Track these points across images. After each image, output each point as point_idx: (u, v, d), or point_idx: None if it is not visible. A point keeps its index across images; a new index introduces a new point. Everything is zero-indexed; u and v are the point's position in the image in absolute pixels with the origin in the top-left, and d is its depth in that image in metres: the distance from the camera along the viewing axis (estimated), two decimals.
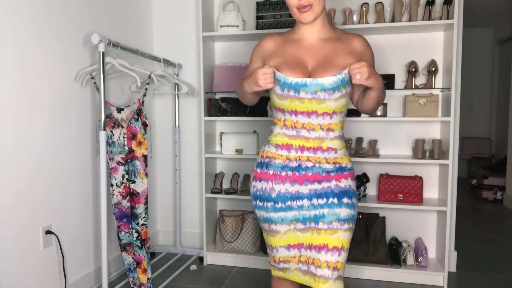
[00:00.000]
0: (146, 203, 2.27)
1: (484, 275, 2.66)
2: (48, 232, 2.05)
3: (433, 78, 2.56)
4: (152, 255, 2.96)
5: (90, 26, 2.34)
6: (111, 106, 2.25)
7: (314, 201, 1.41)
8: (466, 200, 4.97)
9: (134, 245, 2.29)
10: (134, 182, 2.25)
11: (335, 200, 1.40)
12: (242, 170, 2.95)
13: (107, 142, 2.21)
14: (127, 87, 2.71)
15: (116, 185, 2.26)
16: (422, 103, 2.53)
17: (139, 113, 2.21)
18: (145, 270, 2.29)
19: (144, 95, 2.29)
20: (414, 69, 2.56)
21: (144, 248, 2.28)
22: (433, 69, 2.53)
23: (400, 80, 2.68)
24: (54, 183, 2.10)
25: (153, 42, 3.07)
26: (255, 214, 1.54)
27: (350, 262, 2.58)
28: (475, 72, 6.23)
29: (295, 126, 1.41)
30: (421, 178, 2.56)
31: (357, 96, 1.52)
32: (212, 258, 2.84)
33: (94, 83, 2.28)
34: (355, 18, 2.64)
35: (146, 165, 2.25)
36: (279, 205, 1.43)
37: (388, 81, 2.57)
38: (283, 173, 1.43)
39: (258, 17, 2.73)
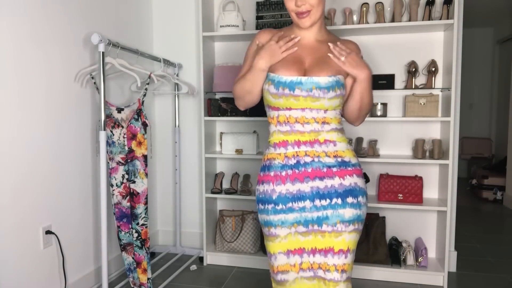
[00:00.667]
0: (146, 203, 2.27)
1: (484, 275, 2.66)
2: (48, 232, 2.05)
3: (433, 78, 2.56)
4: (152, 255, 2.96)
5: (90, 26, 2.34)
6: (111, 106, 2.25)
7: (317, 202, 1.36)
8: (466, 200, 4.97)
9: (134, 245, 2.29)
10: (134, 182, 2.25)
11: (339, 201, 1.35)
12: (242, 170, 2.95)
13: (107, 142, 2.21)
14: (127, 87, 2.71)
15: (116, 185, 2.26)
16: (422, 103, 2.53)
17: (139, 113, 2.21)
18: (145, 270, 2.29)
19: (144, 95, 2.29)
20: (414, 69, 2.56)
21: (144, 248, 2.28)
22: (433, 69, 2.53)
23: (400, 80, 2.68)
24: (54, 183, 2.10)
25: (153, 42, 3.07)
26: (259, 219, 1.49)
27: None
28: (475, 72, 6.23)
29: (288, 121, 1.39)
30: (421, 178, 2.56)
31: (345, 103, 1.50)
32: (212, 258, 2.84)
33: (94, 83, 2.28)
34: (355, 18, 2.65)
35: (146, 165, 2.25)
36: (280, 206, 1.39)
37: (388, 81, 2.57)
38: (283, 173, 1.40)
39: (258, 17, 2.73)
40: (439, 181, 2.67)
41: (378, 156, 2.62)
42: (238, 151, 2.79)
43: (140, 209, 2.26)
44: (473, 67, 6.20)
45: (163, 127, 3.10)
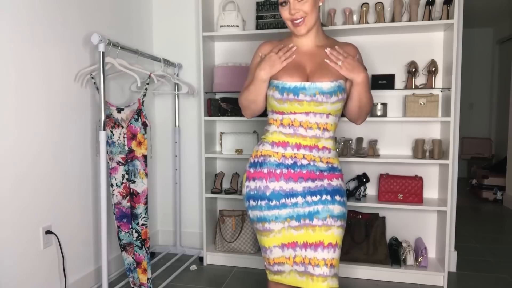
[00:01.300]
0: (146, 203, 2.27)
1: (484, 275, 2.66)
2: (48, 232, 2.05)
3: (433, 78, 2.56)
4: (152, 255, 2.96)
5: (90, 26, 2.34)
6: (111, 106, 2.25)
7: (308, 198, 1.44)
8: (466, 200, 4.97)
9: (134, 245, 2.29)
10: (134, 182, 2.25)
11: (329, 197, 1.44)
12: (242, 170, 2.95)
13: (107, 142, 2.21)
14: (127, 87, 2.71)
15: (116, 185, 2.26)
16: (422, 103, 2.53)
17: (139, 113, 2.21)
18: (145, 270, 2.29)
19: (144, 95, 2.29)
20: (414, 69, 2.56)
21: (144, 248, 2.28)
22: (433, 69, 2.53)
23: (400, 80, 2.68)
24: (54, 183, 2.10)
25: (153, 42, 3.07)
26: (248, 216, 1.55)
27: (350, 262, 2.58)
28: (475, 72, 6.23)
29: (293, 124, 1.45)
30: (421, 178, 2.56)
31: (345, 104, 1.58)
32: (212, 258, 2.84)
33: (94, 83, 2.28)
34: (355, 18, 2.65)
35: (146, 165, 2.25)
36: (273, 202, 1.45)
37: (388, 81, 2.57)
38: (278, 171, 1.46)
39: (258, 17, 2.73)
40: (439, 181, 2.67)
41: (378, 156, 2.62)
42: (238, 151, 2.80)
43: (140, 209, 2.26)
44: (473, 67, 6.20)
45: (163, 127, 3.10)
